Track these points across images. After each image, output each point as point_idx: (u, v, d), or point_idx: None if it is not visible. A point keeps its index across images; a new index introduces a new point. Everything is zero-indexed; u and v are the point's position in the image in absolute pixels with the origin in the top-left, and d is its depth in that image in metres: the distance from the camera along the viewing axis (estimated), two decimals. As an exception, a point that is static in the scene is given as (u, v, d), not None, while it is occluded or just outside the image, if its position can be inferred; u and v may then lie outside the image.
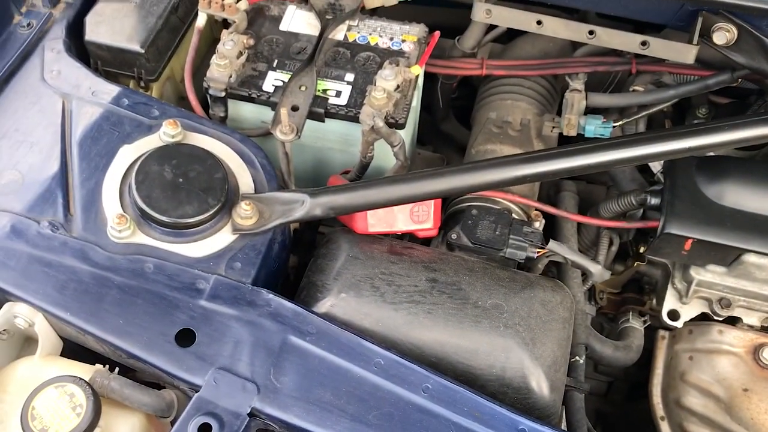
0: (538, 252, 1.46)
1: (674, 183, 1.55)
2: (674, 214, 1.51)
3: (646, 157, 1.38)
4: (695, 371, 1.68)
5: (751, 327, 1.66)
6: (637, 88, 1.73)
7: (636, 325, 1.75)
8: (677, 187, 1.55)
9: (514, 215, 1.58)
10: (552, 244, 1.47)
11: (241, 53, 1.53)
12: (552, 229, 1.74)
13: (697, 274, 1.60)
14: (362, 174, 1.55)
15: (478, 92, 1.89)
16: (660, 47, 1.56)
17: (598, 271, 1.51)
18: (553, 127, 1.71)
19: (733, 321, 1.67)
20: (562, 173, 1.37)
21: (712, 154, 1.61)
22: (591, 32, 1.58)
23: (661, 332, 1.79)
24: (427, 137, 2.09)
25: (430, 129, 2.07)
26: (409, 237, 1.56)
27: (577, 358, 1.53)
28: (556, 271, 1.67)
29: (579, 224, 1.75)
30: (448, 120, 2.05)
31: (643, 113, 1.70)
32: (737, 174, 1.55)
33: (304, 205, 1.35)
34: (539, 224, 1.59)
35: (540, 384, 1.31)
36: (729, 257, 1.54)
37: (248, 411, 1.17)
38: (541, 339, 1.33)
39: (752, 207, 1.52)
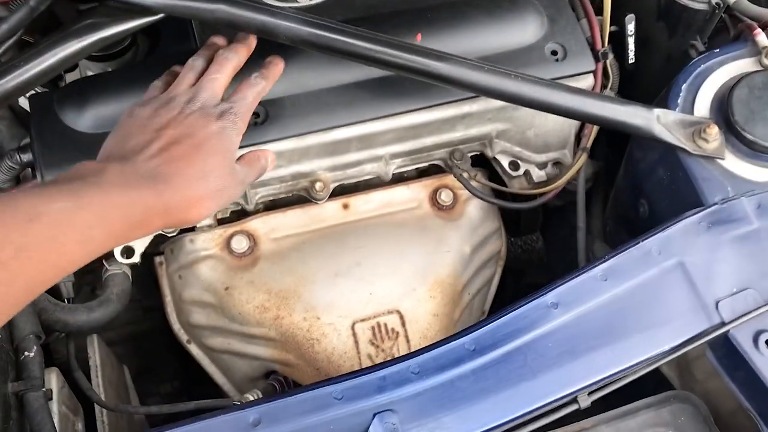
0: None
1: (39, 130, 1.35)
2: (48, 166, 1.33)
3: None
4: (187, 288, 1.62)
5: (210, 226, 1.61)
6: None
7: (114, 269, 1.59)
8: (44, 134, 1.35)
9: None
10: None
11: None
12: None
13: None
14: None
15: None
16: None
17: None
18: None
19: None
20: None
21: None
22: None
23: (157, 258, 1.68)
24: None
25: None
26: None
27: (27, 354, 1.35)
28: None
29: None
30: None
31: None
32: (95, 92, 1.39)
33: None
34: None
35: None
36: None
37: None
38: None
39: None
